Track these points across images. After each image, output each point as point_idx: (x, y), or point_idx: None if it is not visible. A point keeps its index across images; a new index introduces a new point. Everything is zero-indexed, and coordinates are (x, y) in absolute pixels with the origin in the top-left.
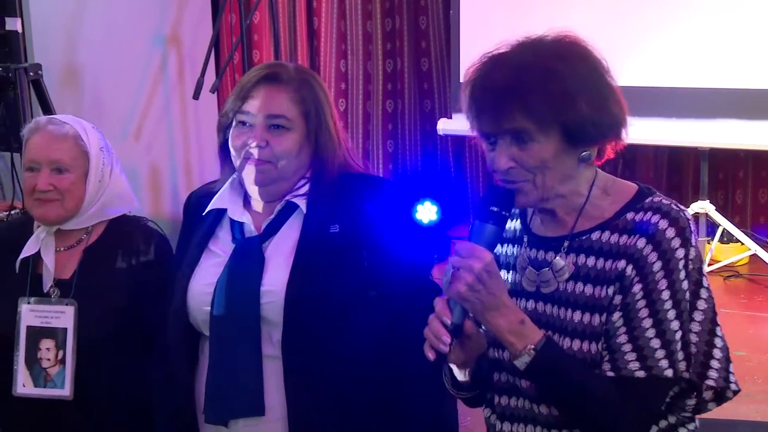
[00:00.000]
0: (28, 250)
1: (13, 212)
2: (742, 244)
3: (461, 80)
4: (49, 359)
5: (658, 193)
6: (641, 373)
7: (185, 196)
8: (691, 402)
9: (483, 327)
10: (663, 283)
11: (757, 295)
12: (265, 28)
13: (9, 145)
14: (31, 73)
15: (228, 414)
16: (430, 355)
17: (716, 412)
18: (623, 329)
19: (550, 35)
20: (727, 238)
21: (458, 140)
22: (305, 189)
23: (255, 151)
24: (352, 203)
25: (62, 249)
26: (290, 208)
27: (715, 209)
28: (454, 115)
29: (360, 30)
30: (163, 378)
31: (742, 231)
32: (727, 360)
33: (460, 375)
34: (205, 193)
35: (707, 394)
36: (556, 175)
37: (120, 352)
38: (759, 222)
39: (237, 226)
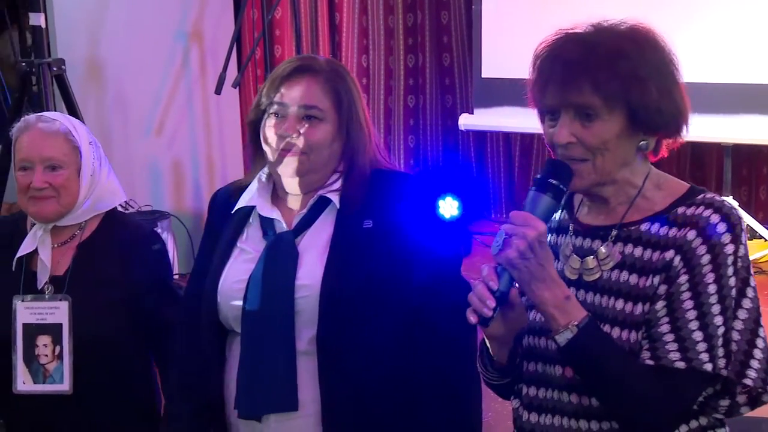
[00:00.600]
0: (25, 248)
1: None
2: (766, 240)
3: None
4: (46, 355)
5: (709, 191)
6: (681, 364)
7: (207, 191)
8: (725, 403)
9: (525, 299)
10: (710, 277)
11: None
12: (287, 23)
13: None
14: (55, 68)
15: (261, 408)
16: (473, 319)
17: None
18: (666, 319)
19: (626, 22)
20: (751, 234)
21: (480, 136)
22: (338, 184)
23: (288, 141)
24: (384, 199)
25: (56, 245)
26: (323, 203)
27: (739, 205)
28: (475, 111)
29: (382, 25)
30: (190, 372)
31: (766, 227)
32: (767, 362)
33: (499, 353)
34: (232, 190)
35: (741, 398)
36: (614, 158)
37: (119, 347)
38: None
39: (268, 223)
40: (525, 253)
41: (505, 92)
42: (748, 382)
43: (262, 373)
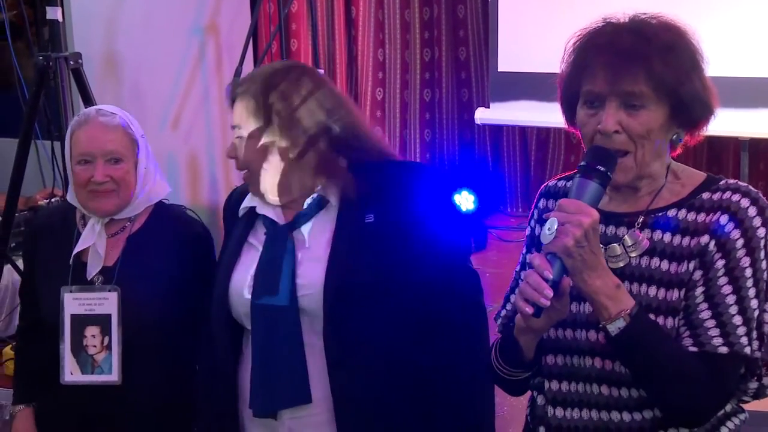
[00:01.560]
0: (85, 242)
1: (53, 199)
2: None
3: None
4: (95, 346)
5: (726, 178)
6: (724, 349)
7: (223, 185)
8: (753, 386)
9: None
10: (745, 261)
11: None
12: (303, 17)
13: (50, 133)
14: (72, 62)
15: (275, 404)
16: (528, 310)
17: (757, 404)
18: (705, 305)
19: (659, 17)
20: None
21: (496, 130)
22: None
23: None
24: (386, 190)
25: (108, 236)
26: (322, 201)
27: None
28: (492, 105)
29: (398, 19)
30: (209, 371)
31: None
32: None
33: (530, 347)
34: (243, 191)
35: (766, 379)
36: (652, 150)
37: (166, 337)
38: None
39: (269, 221)
40: (581, 240)
41: (521, 86)
42: None
43: (272, 369)
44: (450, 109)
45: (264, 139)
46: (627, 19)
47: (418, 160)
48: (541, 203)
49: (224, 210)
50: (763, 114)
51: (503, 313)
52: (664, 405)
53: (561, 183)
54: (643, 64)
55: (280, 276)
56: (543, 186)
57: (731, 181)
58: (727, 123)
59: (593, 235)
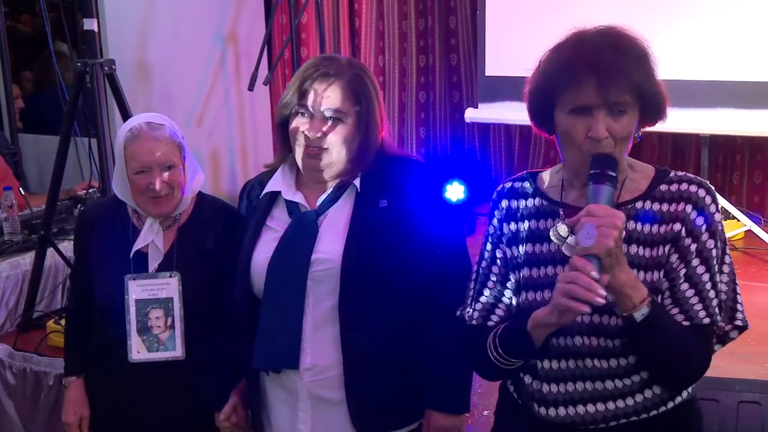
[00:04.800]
0: (145, 240)
1: (90, 190)
2: (738, 221)
3: (486, 73)
4: (159, 326)
5: (672, 170)
6: (707, 320)
7: (241, 176)
8: (717, 346)
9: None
10: (710, 243)
11: (751, 267)
12: (312, 27)
13: (87, 131)
14: (106, 68)
15: (269, 364)
16: (585, 309)
17: (716, 370)
18: (686, 284)
19: (615, 26)
20: (725, 215)
21: (484, 127)
22: (357, 170)
23: (312, 141)
24: (397, 181)
25: (162, 229)
26: (344, 186)
27: (715, 189)
28: (480, 105)
29: (396, 29)
30: (227, 340)
31: (739, 209)
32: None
33: (543, 337)
34: (259, 181)
35: (734, 333)
36: (626, 148)
37: (218, 315)
38: (753, 201)
39: (293, 205)
40: (618, 240)
41: (506, 89)
42: (738, 323)
43: (275, 334)
44: (443, 110)
45: (352, 125)
46: (597, 33)
47: (415, 155)
48: (504, 203)
49: (240, 197)
50: (722, 113)
51: (478, 306)
52: (669, 374)
53: (518, 184)
54: (627, 76)
55: (299, 255)
56: (500, 188)
57: (680, 173)
58: (689, 121)
59: (620, 234)
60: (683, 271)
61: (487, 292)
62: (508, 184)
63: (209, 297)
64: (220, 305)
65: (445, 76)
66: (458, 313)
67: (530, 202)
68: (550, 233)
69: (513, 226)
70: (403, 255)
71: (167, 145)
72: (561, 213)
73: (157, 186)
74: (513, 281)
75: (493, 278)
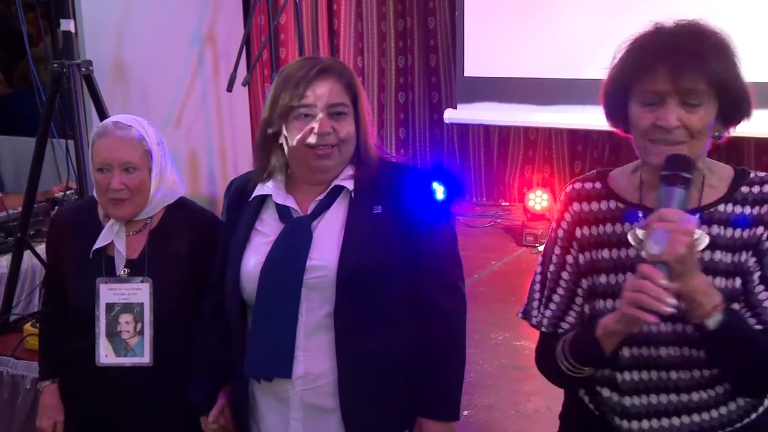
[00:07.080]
0: (102, 240)
1: (67, 192)
2: None
3: (465, 74)
4: (128, 331)
5: (750, 169)
6: None
7: (220, 177)
8: None
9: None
10: None
11: None
12: (291, 28)
13: (64, 132)
14: (83, 69)
15: (260, 371)
16: (653, 319)
17: None
18: (762, 287)
19: (696, 19)
20: None
21: (462, 128)
22: (350, 173)
23: (324, 140)
24: (392, 188)
25: (131, 233)
26: (337, 190)
27: None
28: (459, 106)
29: (375, 30)
30: (213, 344)
31: None
32: None
33: (613, 345)
34: (247, 180)
35: None
36: (702, 144)
37: (190, 321)
38: None
39: (283, 209)
40: (691, 246)
41: (485, 89)
42: None
43: (267, 342)
44: (422, 110)
45: (353, 119)
46: (676, 23)
47: (408, 160)
48: (575, 206)
49: (226, 197)
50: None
51: (548, 313)
52: (748, 381)
53: (588, 185)
54: (705, 63)
55: (293, 262)
56: (569, 189)
57: (760, 173)
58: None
59: (692, 240)
60: (758, 273)
61: (557, 298)
62: (578, 185)
63: (181, 304)
64: (200, 310)
65: (424, 77)
66: (520, 314)
67: (603, 204)
68: (629, 237)
69: (585, 230)
70: (399, 262)
71: (131, 146)
72: (640, 216)
73: (114, 185)
74: (584, 287)
75: (563, 284)
